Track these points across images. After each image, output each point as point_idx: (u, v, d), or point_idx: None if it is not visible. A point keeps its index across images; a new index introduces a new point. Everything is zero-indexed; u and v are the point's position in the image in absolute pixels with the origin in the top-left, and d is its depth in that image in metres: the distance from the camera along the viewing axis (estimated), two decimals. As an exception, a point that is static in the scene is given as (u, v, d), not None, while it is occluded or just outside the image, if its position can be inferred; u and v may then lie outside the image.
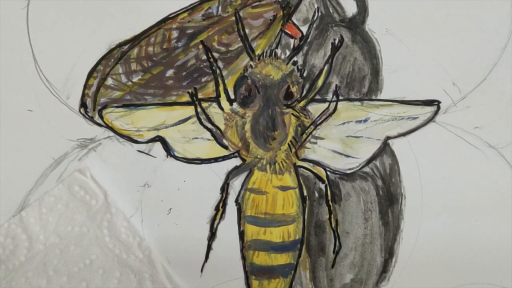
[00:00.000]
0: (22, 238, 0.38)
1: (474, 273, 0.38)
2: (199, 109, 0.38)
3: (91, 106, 0.37)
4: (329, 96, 0.38)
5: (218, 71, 0.37)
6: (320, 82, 0.38)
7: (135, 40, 0.37)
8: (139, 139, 0.38)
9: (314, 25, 0.38)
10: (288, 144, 0.38)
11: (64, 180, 0.38)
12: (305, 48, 0.38)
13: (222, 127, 0.38)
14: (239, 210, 0.39)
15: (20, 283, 0.37)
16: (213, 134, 0.38)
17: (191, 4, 0.37)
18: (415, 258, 0.39)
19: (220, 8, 0.37)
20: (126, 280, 0.38)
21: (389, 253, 0.39)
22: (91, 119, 0.37)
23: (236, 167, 0.38)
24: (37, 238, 0.38)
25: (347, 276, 0.39)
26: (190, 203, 0.38)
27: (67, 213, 0.38)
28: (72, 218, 0.38)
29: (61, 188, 0.38)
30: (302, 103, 0.38)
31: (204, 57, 0.37)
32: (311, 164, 0.39)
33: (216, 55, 0.37)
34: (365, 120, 0.38)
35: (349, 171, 0.39)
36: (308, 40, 0.38)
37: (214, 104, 0.38)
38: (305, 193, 0.39)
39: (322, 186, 0.39)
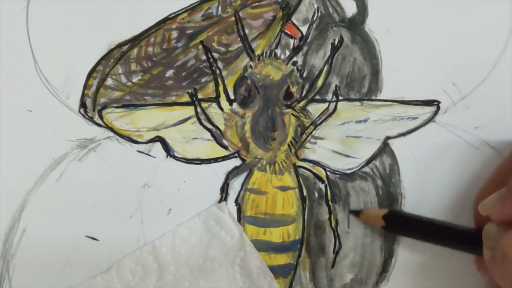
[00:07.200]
0: (153, 267, 0.37)
1: (474, 273, 0.38)
2: (199, 109, 0.38)
3: (91, 107, 0.37)
4: (329, 96, 0.38)
5: (218, 71, 0.37)
6: (319, 82, 0.38)
7: (134, 40, 0.37)
8: (139, 139, 0.38)
9: (314, 25, 0.38)
10: (288, 145, 0.38)
11: (201, 213, 0.38)
12: (305, 48, 0.38)
13: (222, 127, 0.38)
14: (239, 211, 0.39)
15: None
16: (213, 134, 0.38)
17: (191, 4, 0.37)
18: (415, 258, 0.39)
19: (219, 9, 0.37)
20: None
21: (389, 253, 0.39)
22: (91, 119, 0.37)
23: (236, 167, 0.38)
24: (168, 269, 0.37)
25: (347, 276, 0.39)
26: (190, 203, 0.38)
27: (200, 246, 0.37)
28: (205, 252, 0.37)
29: (196, 221, 0.37)
30: (301, 103, 0.38)
31: (204, 57, 0.37)
32: (311, 164, 0.39)
33: (215, 55, 0.37)
34: (365, 120, 0.38)
35: (349, 171, 0.39)
36: (308, 40, 0.38)
37: (214, 104, 0.38)
38: (305, 193, 0.39)
39: (322, 186, 0.39)
